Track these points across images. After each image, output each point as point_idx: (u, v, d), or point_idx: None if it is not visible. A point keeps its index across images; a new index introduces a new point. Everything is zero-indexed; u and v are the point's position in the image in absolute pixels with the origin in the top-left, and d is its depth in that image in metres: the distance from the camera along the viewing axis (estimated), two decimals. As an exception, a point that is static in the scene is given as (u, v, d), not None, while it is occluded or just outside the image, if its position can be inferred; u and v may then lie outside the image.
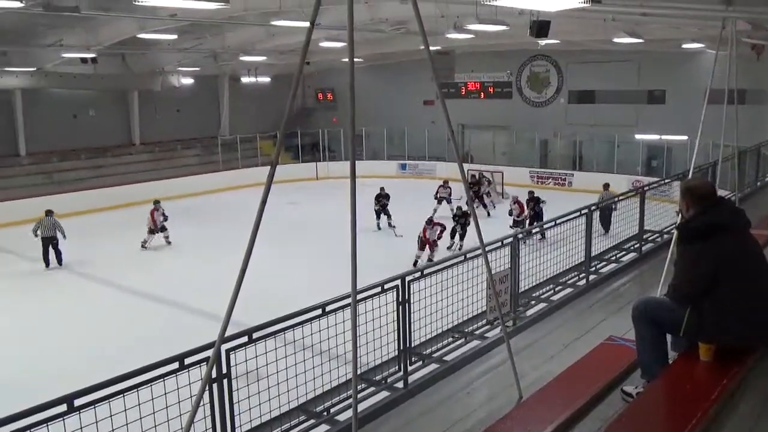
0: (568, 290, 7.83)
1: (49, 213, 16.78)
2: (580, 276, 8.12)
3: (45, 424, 3.59)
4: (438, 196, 21.67)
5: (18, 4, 11.30)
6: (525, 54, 27.69)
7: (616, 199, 9.67)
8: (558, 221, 7.80)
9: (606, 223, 10.84)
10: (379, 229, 19.48)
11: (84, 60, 21.65)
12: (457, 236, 17.34)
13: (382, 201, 19.88)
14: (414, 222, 16.74)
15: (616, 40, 18.20)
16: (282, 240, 15.71)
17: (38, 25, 18.57)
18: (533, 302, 7.43)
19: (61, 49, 20.01)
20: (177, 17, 15.42)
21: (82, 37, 19.33)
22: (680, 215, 4.28)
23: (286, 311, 4.88)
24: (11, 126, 25.12)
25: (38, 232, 16.34)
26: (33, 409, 3.55)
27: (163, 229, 18.50)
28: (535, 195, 19.11)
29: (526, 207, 18.63)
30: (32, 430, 3.55)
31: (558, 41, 20.94)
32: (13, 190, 22.86)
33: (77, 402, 3.68)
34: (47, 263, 16.36)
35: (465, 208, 17.21)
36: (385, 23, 18.44)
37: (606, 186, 19.15)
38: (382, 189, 20.19)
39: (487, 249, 4.99)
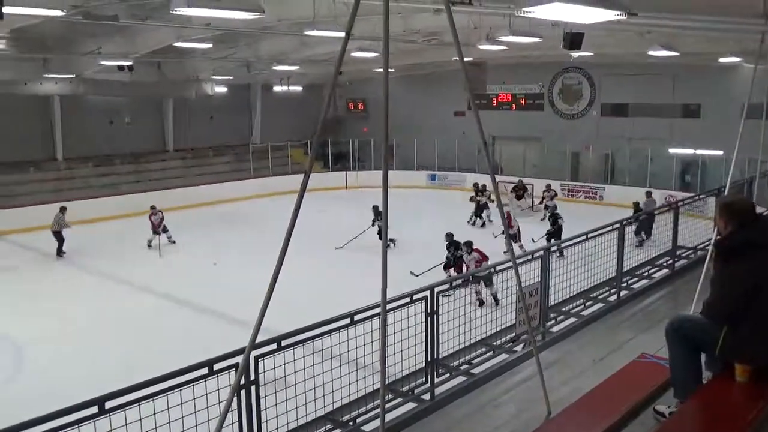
0: (599, 305, 7.73)
1: (63, 210, 18.73)
2: (611, 291, 8.01)
3: (76, 426, 3.64)
4: (477, 201, 22.08)
5: (59, 13, 11.54)
6: (557, 66, 27.51)
7: (657, 207, 9.57)
8: (590, 235, 7.71)
9: (648, 230, 10.82)
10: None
11: (121, 67, 22.05)
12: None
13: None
14: (439, 232, 16.61)
15: (651, 52, 17.97)
16: (310, 248, 15.73)
17: (78, 33, 18.99)
18: (563, 317, 7.34)
19: (100, 57, 20.42)
20: (211, 26, 15.66)
21: (120, 45, 19.73)
22: (716, 231, 4.20)
23: (313, 320, 4.89)
24: (49, 131, 25.69)
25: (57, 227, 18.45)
26: (65, 410, 3.61)
27: (165, 230, 19.37)
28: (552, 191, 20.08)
29: (514, 221, 17.94)
30: (64, 430, 3.61)
31: (591, 53, 20.75)
32: (48, 194, 23.35)
33: (108, 404, 3.73)
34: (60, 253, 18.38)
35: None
36: (417, 34, 18.47)
37: (648, 194, 19.73)
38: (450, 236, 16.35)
39: (517, 262, 4.94)
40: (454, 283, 6.36)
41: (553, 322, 7.16)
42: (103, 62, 21.10)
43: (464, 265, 14.53)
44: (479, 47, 17.45)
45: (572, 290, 7.66)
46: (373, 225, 18.34)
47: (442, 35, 19.04)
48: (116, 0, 12.86)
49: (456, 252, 14.91)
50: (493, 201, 21.81)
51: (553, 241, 15.95)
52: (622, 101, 26.60)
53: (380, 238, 15.41)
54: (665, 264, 9.12)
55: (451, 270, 14.91)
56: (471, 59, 22.76)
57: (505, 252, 16.37)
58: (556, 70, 27.97)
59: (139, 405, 3.88)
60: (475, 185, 23.35)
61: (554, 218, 18.25)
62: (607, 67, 25.46)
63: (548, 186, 23.78)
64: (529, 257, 6.73)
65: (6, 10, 8.12)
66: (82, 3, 12.47)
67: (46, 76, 23.12)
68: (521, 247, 16.51)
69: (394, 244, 17.28)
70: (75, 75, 23.35)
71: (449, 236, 15.45)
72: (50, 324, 12.62)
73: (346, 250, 18.16)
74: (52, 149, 25.87)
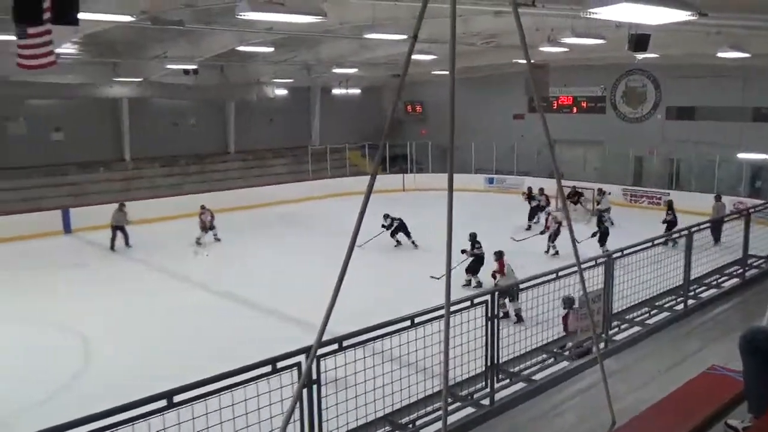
0: (665, 314, 7.50)
1: (121, 206, 19.88)
2: (678, 300, 7.76)
3: (145, 418, 3.75)
4: (537, 203, 22.01)
5: (129, 18, 11.99)
6: (621, 68, 26.89)
7: (727, 213, 9.24)
8: (656, 242, 7.49)
9: (717, 234, 10.52)
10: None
11: (186, 71, 22.71)
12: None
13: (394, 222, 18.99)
14: (495, 234, 16.42)
15: (719, 54, 17.38)
16: (364, 249, 15.77)
17: (146, 38, 19.65)
18: (626, 325, 7.16)
19: (166, 61, 21.07)
20: (273, 30, 15.93)
21: (185, 50, 20.30)
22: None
23: (369, 323, 4.91)
24: (118, 133, 26.64)
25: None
26: (135, 403, 3.72)
27: (212, 227, 20.24)
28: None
29: (551, 222, 18.47)
30: (133, 423, 3.72)
31: (657, 55, 20.19)
32: (116, 194, 24.18)
33: (176, 398, 3.83)
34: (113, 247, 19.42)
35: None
36: (476, 36, 18.36)
37: (718, 197, 19.38)
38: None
39: (582, 267, 4.84)
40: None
41: (616, 330, 6.99)
42: (169, 66, 21.76)
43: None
44: (541, 49, 17.22)
45: (636, 298, 7.46)
46: (387, 230, 18.81)
47: (501, 37, 18.88)
48: (182, 5, 13.22)
49: (473, 249, 15.14)
50: (548, 204, 21.60)
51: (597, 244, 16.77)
52: (688, 104, 25.80)
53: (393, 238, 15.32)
54: (735, 273, 8.78)
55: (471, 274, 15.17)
56: (533, 61, 22.45)
57: (546, 252, 18.03)
58: (620, 72, 27.34)
59: (205, 400, 3.97)
60: (529, 189, 23.23)
61: (599, 220, 18.45)
62: (673, 68, 24.75)
63: (600, 190, 23.37)
64: (593, 263, 6.59)
65: (80, 16, 8.46)
66: (151, 9, 12.89)
67: (116, 79, 23.98)
68: (553, 246, 18.04)
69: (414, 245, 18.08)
70: (142, 78, 24.15)
71: (472, 236, 15.40)
72: (116, 319, 13.07)
73: (402, 250, 18.20)
74: (120, 150, 26.81)
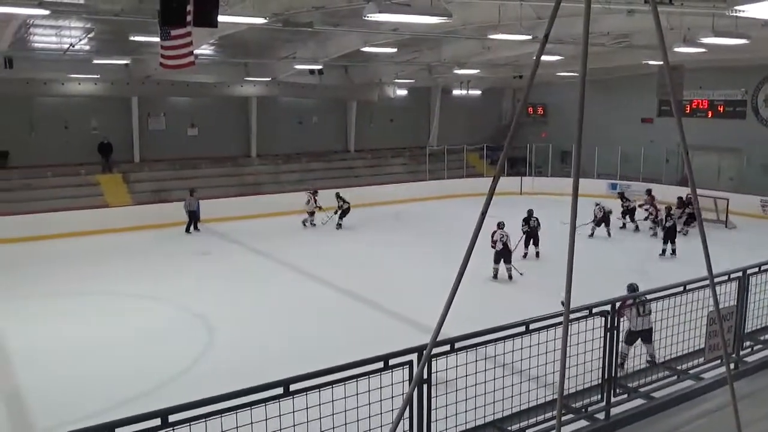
0: (807, 337, 6.91)
1: (192, 192, 21.48)
2: (822, 323, 7.12)
3: (264, 404, 3.93)
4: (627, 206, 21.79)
5: (262, 21, 12.54)
6: (765, 70, 24.93)
7: None
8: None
9: None
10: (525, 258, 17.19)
11: (312, 71, 23.46)
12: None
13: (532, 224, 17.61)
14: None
15: None
16: (478, 252, 15.55)
17: (276, 39, 20.49)
18: (760, 346, 6.66)
19: (294, 61, 21.88)
20: (398, 31, 16.13)
21: (312, 51, 20.98)
22: None
23: (477, 327, 4.85)
24: (246, 129, 27.98)
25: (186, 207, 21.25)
26: (254, 389, 3.90)
27: (312, 213, 22.25)
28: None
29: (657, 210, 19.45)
30: (252, 407, 3.90)
31: (808, 56, 18.62)
32: (242, 188, 25.43)
33: (293, 387, 3.98)
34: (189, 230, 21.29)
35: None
36: (605, 37, 17.68)
37: None
38: (530, 212, 17.74)
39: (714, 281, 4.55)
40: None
41: (749, 351, 6.51)
42: (297, 66, 22.58)
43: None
44: (675, 50, 16.30)
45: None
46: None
47: (633, 37, 18.07)
48: (312, 8, 13.66)
49: (528, 225, 17.19)
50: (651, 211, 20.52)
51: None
52: (842, 110, 23.55)
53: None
54: None
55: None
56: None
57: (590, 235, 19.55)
58: (764, 74, 25.34)
59: (319, 391, 4.09)
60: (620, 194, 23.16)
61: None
62: (826, 71, 22.67)
63: (648, 191, 22.12)
64: (726, 277, 6.17)
65: (219, 18, 8.97)
66: (282, 11, 13.43)
67: (247, 79, 25.23)
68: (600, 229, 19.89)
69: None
70: (271, 78, 25.22)
71: (530, 212, 17.53)
72: (238, 306, 13.72)
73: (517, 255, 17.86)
74: (247, 146, 28.15)
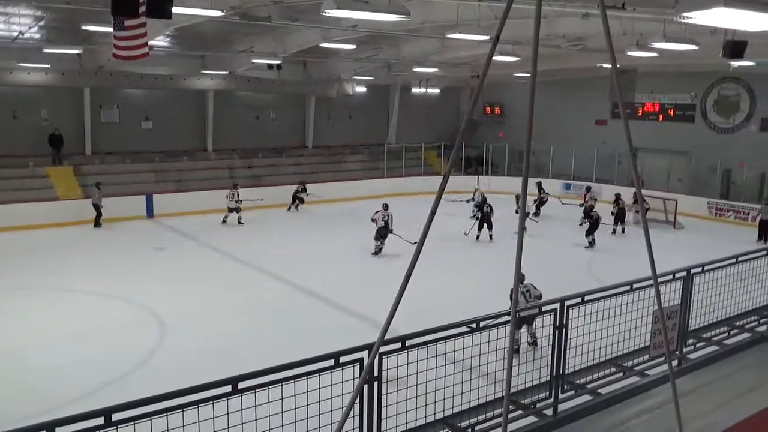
0: (745, 335, 7.15)
1: (98, 185, 21.01)
2: (761, 321, 7.38)
3: (211, 402, 3.88)
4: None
5: (219, 13, 12.36)
6: (713, 75, 25.67)
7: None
8: (740, 258, 7.14)
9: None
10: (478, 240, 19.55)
11: (270, 66, 23.25)
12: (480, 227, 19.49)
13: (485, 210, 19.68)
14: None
15: (824, 64, 16.38)
16: (432, 250, 15.59)
17: (233, 32, 20.23)
18: (703, 343, 6.86)
19: (252, 55, 21.65)
20: (357, 28, 16.09)
21: (271, 45, 20.79)
22: None
23: (430, 323, 4.89)
24: (202, 124, 27.58)
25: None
26: (202, 387, 3.85)
27: (238, 210, 21.57)
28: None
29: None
30: (198, 406, 3.85)
31: (753, 63, 19.22)
32: (198, 182, 25.06)
33: (241, 385, 3.93)
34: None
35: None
36: (561, 39, 17.96)
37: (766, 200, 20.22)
38: (484, 199, 20.53)
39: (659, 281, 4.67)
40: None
41: (692, 348, 6.71)
42: (254, 60, 22.34)
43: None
44: (628, 54, 16.66)
45: (715, 316, 7.14)
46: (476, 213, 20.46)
47: (588, 41, 18.39)
48: (270, 2, 13.53)
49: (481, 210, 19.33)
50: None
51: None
52: (785, 116, 24.41)
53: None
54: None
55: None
56: (618, 66, 21.83)
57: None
58: (712, 79, 26.11)
59: (268, 388, 4.06)
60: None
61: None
62: (771, 78, 23.47)
63: (588, 188, 24.72)
64: (670, 277, 6.34)
65: (174, 10, 8.81)
66: (240, 4, 13.27)
67: (204, 72, 24.85)
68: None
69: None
70: (228, 72, 24.90)
71: (484, 198, 20.09)
72: (191, 303, 13.50)
73: (469, 253, 18.06)
74: (203, 140, 27.75)
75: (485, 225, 19.35)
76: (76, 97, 24.17)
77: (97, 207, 20.75)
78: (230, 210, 21.65)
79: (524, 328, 9.72)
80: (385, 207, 17.75)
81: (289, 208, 24.39)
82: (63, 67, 22.20)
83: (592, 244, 18.98)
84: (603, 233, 19.79)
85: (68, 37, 18.97)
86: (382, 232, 17.33)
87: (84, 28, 15.61)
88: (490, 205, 19.61)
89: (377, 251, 17.39)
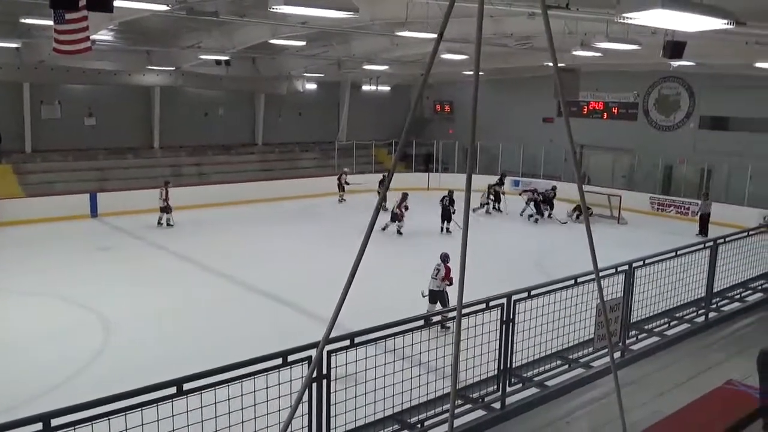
0: (685, 326, 7.39)
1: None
2: (699, 312, 7.65)
3: (155, 404, 3.80)
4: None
5: (164, 8, 12.08)
6: (655, 75, 26.47)
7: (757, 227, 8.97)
8: (680, 252, 7.38)
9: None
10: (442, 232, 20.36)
11: (218, 62, 22.89)
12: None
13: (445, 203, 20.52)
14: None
15: (758, 65, 17.04)
16: (384, 247, 15.75)
17: (180, 27, 19.84)
18: (645, 335, 7.07)
19: (199, 51, 21.26)
20: (307, 25, 15.98)
21: (218, 41, 20.46)
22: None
23: (385, 319, 4.90)
24: (148, 120, 26.98)
25: None
26: (146, 389, 3.77)
27: (169, 210, 20.68)
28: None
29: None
30: (144, 408, 3.76)
31: (692, 63, 19.87)
32: (144, 180, 24.48)
33: (186, 386, 3.87)
34: None
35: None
36: (509, 38, 18.21)
37: (706, 195, 21.70)
38: (450, 192, 20.71)
39: (600, 275, 4.78)
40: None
41: (634, 339, 6.90)
42: (202, 56, 21.96)
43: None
44: (573, 53, 17.01)
45: (656, 308, 7.36)
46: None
47: (535, 40, 18.71)
48: (217, -4, 13.33)
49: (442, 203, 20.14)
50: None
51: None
52: (722, 114, 25.30)
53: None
54: (760, 287, 8.62)
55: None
56: (563, 65, 22.26)
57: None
58: (653, 79, 26.92)
59: (214, 389, 4.00)
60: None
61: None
62: (709, 78, 24.28)
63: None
64: (613, 271, 6.51)
65: (116, 3, 8.57)
66: (186, -1, 13.01)
67: (149, 67, 24.29)
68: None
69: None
70: (175, 68, 24.41)
71: (450, 192, 20.36)
72: (136, 303, 13.21)
73: (421, 249, 18.15)
74: (149, 137, 27.15)
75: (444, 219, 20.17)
76: (15, 93, 23.32)
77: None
78: (161, 210, 20.56)
79: (438, 305, 10.31)
80: (405, 197, 19.83)
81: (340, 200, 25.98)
82: (0, 61, 21.40)
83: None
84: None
85: (6, 30, 18.25)
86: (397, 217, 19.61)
87: (23, 20, 15.04)
88: (448, 197, 20.27)
89: (386, 227, 19.57)
